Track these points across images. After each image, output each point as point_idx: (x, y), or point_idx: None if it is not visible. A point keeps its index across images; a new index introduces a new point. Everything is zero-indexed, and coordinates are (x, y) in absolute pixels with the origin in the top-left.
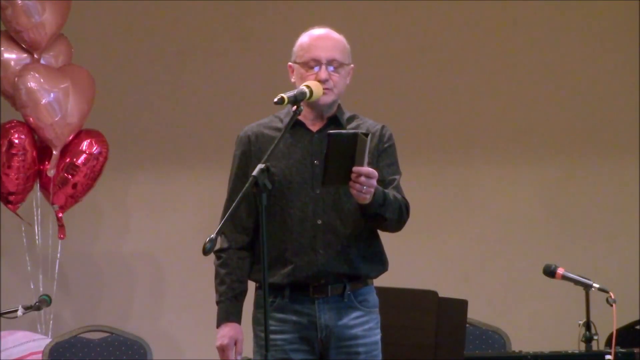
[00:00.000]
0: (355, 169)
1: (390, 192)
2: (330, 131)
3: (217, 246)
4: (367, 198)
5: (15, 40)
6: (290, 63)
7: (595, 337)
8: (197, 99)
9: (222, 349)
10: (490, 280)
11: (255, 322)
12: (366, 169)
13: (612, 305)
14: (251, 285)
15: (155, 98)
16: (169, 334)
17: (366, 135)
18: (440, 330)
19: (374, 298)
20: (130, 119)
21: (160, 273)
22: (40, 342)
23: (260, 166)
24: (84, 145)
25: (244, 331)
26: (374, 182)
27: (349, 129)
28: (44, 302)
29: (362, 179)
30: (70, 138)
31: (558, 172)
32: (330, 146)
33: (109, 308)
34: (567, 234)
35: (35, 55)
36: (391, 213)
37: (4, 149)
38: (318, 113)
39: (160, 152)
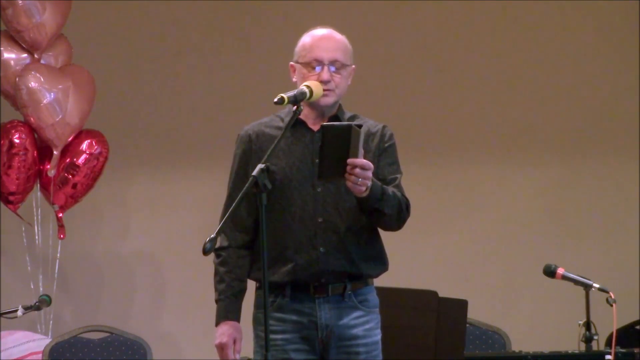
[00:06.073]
0: (349, 160)
1: (390, 188)
2: (324, 123)
3: (217, 244)
4: (362, 190)
5: (16, 40)
6: (292, 63)
7: (595, 337)
8: (197, 99)
9: (221, 347)
10: (490, 280)
11: (256, 322)
12: (361, 160)
13: (612, 305)
14: (251, 285)
15: (155, 98)
16: (169, 334)
17: (359, 127)
18: (440, 330)
19: (374, 298)
20: (130, 119)
21: (160, 273)
22: (40, 342)
23: (260, 166)
24: (84, 145)
25: (243, 331)
26: (369, 173)
27: None
28: (44, 302)
29: (357, 170)
30: (71, 138)
31: (558, 172)
32: (324, 138)
33: (109, 308)
34: (567, 234)
35: (36, 55)
36: (390, 208)
37: (4, 149)
38: (319, 113)
39: (160, 152)
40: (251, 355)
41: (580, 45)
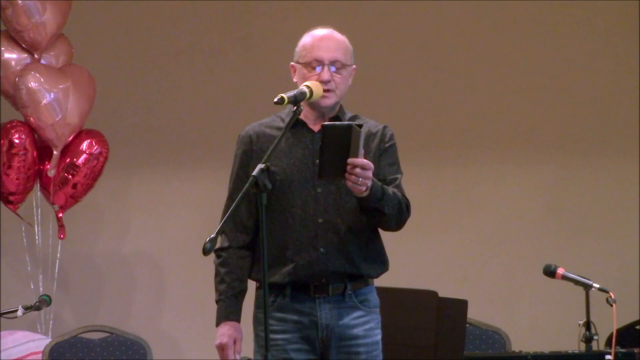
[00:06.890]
0: (350, 160)
1: (390, 188)
2: (325, 123)
3: (218, 245)
4: (362, 190)
5: (16, 40)
6: (292, 63)
7: (595, 337)
8: (197, 99)
9: (222, 348)
10: (490, 280)
11: (256, 322)
12: (361, 160)
13: (612, 305)
14: (252, 285)
15: (155, 98)
16: (169, 334)
17: (360, 126)
18: (440, 330)
19: (374, 298)
20: (130, 119)
21: (160, 273)
22: (40, 342)
23: (260, 166)
24: (84, 145)
25: (244, 331)
26: (370, 173)
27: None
28: (44, 302)
29: (357, 170)
30: (71, 138)
31: (558, 171)
32: (324, 138)
33: (109, 308)
34: (567, 233)
35: (36, 55)
36: (390, 208)
37: (4, 149)
38: (320, 113)
39: (160, 152)
40: (252, 356)
41: (580, 45)
